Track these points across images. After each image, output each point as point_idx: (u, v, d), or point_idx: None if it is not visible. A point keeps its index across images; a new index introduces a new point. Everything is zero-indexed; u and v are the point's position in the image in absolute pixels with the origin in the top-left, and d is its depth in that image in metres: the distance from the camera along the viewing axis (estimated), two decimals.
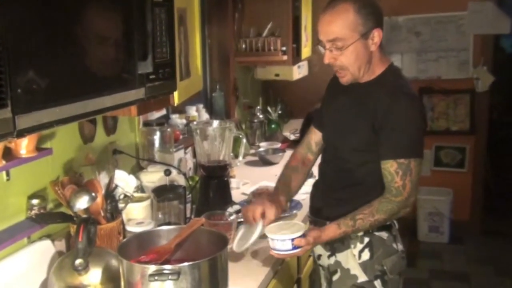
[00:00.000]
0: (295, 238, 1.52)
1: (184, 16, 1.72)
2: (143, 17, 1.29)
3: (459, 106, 4.20)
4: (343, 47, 1.52)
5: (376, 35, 1.54)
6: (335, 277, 1.68)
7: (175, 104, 1.68)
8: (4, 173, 1.42)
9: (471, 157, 4.21)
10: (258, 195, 2.06)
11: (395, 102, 1.53)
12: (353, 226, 1.55)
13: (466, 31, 4.04)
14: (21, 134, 0.94)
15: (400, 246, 1.67)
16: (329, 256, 1.70)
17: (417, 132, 1.55)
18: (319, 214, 1.71)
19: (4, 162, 1.36)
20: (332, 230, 1.57)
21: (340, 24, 1.51)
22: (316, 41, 1.60)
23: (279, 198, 1.72)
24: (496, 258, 3.83)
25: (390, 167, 1.54)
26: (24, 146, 1.41)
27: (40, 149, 1.49)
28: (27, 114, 0.93)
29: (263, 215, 1.63)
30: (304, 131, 3.16)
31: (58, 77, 1.01)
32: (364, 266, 1.62)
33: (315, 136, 1.80)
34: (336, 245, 1.66)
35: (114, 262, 1.37)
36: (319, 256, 1.75)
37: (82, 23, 1.08)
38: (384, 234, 1.64)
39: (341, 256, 1.66)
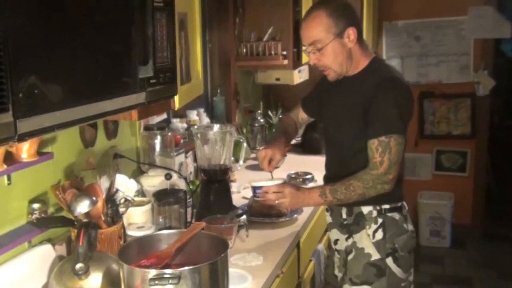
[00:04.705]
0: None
1: (185, 21, 1.73)
2: (144, 21, 1.29)
3: (460, 110, 4.20)
4: (322, 48, 1.69)
5: (351, 33, 1.69)
6: (350, 257, 1.80)
7: (176, 109, 1.67)
8: (5, 177, 1.42)
9: (472, 161, 4.21)
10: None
11: (380, 85, 1.67)
12: (332, 194, 1.69)
13: (466, 35, 4.05)
14: (22, 138, 0.93)
15: (410, 227, 1.81)
16: (346, 239, 1.82)
17: (399, 112, 1.65)
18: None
19: (5, 166, 1.36)
20: (313, 196, 1.72)
21: (316, 29, 1.69)
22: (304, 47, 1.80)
23: (280, 139, 1.98)
24: (498, 262, 3.82)
25: (372, 145, 1.66)
26: (25, 150, 1.41)
27: (41, 153, 1.49)
28: (28, 118, 0.93)
29: (271, 161, 1.89)
30: (305, 135, 3.18)
31: (59, 82, 1.01)
32: (377, 245, 1.75)
33: (302, 114, 2.06)
34: (352, 228, 1.80)
35: (114, 266, 1.36)
36: (336, 240, 1.88)
37: (83, 27, 1.08)
38: (396, 215, 1.77)
39: (356, 237, 1.79)
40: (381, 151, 1.64)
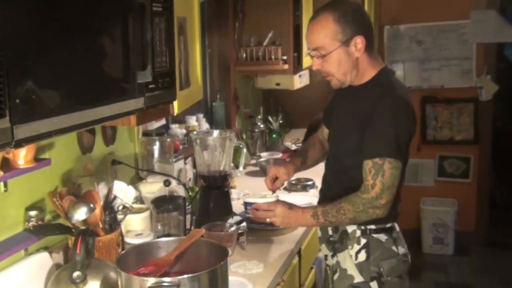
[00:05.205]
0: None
1: (184, 25, 1.72)
2: (143, 26, 1.28)
3: (463, 115, 4.18)
4: (325, 54, 1.59)
5: (359, 42, 1.58)
6: (335, 277, 1.74)
7: (175, 114, 1.66)
8: (1, 184, 1.41)
9: (475, 167, 4.19)
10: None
11: (380, 103, 1.56)
12: (324, 216, 1.61)
13: (468, 39, 4.04)
14: (19, 144, 0.93)
15: (401, 250, 1.68)
16: (332, 256, 1.76)
17: (397, 134, 1.55)
18: None
19: (2, 173, 1.35)
20: (306, 217, 1.64)
21: (320, 33, 1.59)
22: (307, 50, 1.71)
23: (294, 160, 1.96)
24: (501, 269, 3.79)
25: (366, 166, 1.56)
26: (22, 156, 1.40)
27: (38, 160, 1.48)
28: (26, 124, 0.93)
29: (275, 179, 1.87)
30: (307, 140, 3.16)
31: (56, 87, 1.01)
32: (360, 267, 1.65)
33: (325, 130, 1.91)
34: (336, 246, 1.73)
35: (112, 275, 1.35)
36: (326, 256, 1.83)
37: (81, 33, 1.07)
38: (382, 237, 1.66)
39: (340, 256, 1.72)
40: (374, 173, 1.53)
